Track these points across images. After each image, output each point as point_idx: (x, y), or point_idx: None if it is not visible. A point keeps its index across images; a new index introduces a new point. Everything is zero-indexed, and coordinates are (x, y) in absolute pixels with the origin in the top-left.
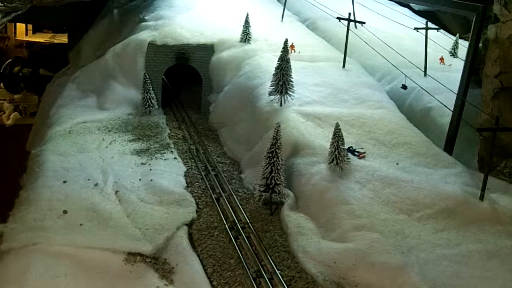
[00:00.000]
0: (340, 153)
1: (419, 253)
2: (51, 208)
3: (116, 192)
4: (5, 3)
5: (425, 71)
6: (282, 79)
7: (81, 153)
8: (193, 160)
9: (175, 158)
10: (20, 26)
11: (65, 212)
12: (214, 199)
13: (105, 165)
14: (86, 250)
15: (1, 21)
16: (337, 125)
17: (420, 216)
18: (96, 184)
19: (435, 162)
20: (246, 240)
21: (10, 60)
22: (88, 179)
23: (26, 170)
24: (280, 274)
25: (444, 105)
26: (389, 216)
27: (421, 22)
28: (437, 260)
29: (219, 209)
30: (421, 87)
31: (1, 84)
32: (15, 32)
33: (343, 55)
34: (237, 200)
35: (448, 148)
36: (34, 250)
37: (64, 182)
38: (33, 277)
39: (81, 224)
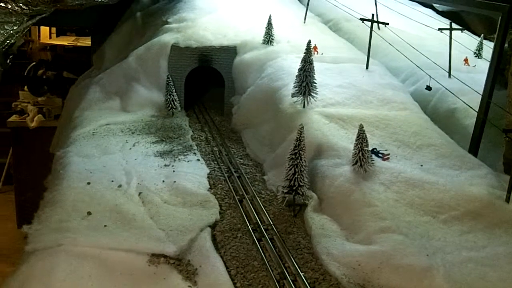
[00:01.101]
0: (364, 155)
1: (445, 256)
2: (76, 209)
3: (140, 193)
4: (30, 7)
5: (449, 72)
6: (305, 80)
7: (105, 155)
8: (216, 162)
9: (198, 160)
10: (44, 30)
11: (89, 213)
12: (237, 201)
13: (129, 166)
14: (110, 251)
15: (26, 24)
16: (361, 126)
17: (445, 218)
18: (119, 186)
19: (460, 163)
20: (270, 242)
21: (34, 63)
22: (112, 181)
23: (50, 172)
24: (304, 276)
25: (470, 106)
26: (414, 218)
27: (444, 22)
28: (463, 262)
29: (242, 211)
30: (446, 88)
31: (25, 86)
32: (39, 35)
33: (366, 57)
34: (260, 202)
35: (473, 149)
36: (59, 251)
37: (88, 183)
38: (58, 277)
39: (105, 225)
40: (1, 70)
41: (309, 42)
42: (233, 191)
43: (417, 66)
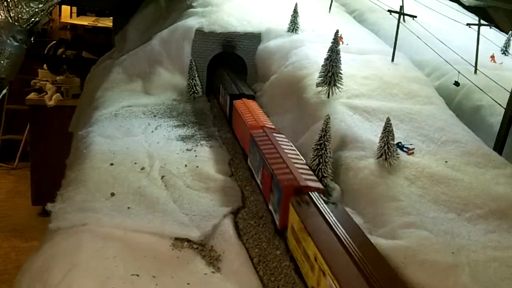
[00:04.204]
0: (389, 148)
1: (470, 254)
2: (99, 189)
3: (163, 177)
4: None
5: (475, 69)
6: (331, 70)
7: (127, 136)
8: (237, 149)
9: (220, 146)
10: (65, 9)
11: (112, 194)
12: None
13: (151, 149)
14: (134, 234)
15: (51, 2)
16: (388, 119)
17: (470, 216)
18: (142, 168)
19: (486, 162)
20: None
21: (54, 42)
22: (135, 163)
23: (67, 151)
24: None
25: (499, 104)
26: (438, 214)
27: (470, 17)
28: (488, 262)
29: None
30: (474, 84)
31: (45, 65)
32: (59, 14)
33: (391, 49)
34: None
35: (498, 148)
36: (84, 231)
37: (111, 164)
38: (84, 257)
39: (129, 207)
40: (24, 48)
41: (337, 31)
42: (255, 178)
43: (446, 61)
